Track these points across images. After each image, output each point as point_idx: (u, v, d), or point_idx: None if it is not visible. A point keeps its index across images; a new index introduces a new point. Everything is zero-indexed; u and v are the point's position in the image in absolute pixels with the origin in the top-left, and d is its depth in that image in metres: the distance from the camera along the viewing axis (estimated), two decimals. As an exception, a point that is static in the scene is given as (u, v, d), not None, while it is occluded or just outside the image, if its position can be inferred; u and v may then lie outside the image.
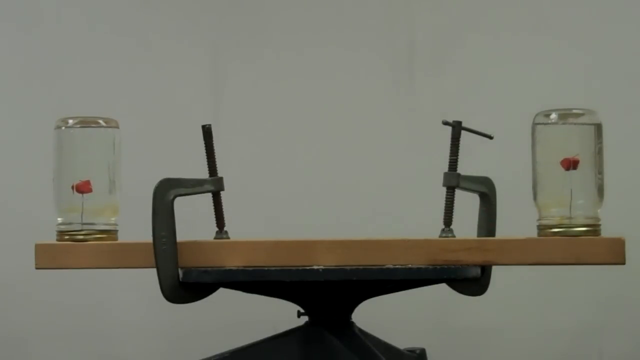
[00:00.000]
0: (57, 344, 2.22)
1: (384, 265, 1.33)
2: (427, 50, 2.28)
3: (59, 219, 1.40)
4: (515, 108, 2.07)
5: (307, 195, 2.24)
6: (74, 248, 1.38)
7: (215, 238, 1.40)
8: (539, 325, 2.22)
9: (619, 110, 2.18)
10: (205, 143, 1.40)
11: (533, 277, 2.14)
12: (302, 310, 1.45)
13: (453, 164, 1.42)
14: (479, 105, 2.21)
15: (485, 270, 1.44)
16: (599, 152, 1.36)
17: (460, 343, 2.22)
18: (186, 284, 1.34)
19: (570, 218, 1.36)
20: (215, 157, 1.40)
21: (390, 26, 2.29)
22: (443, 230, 1.42)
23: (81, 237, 1.39)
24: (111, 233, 1.41)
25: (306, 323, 1.44)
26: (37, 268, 1.38)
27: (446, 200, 1.43)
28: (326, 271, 1.31)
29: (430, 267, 1.34)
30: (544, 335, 2.21)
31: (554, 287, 2.19)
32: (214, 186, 1.40)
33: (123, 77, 2.27)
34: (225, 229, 1.42)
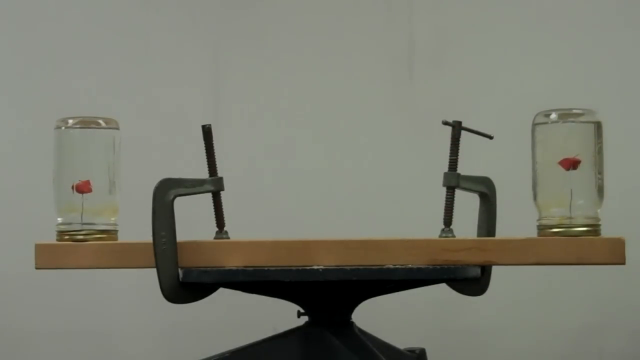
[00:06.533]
0: (57, 343, 2.22)
1: (384, 265, 1.33)
2: (427, 50, 2.28)
3: (59, 219, 1.40)
4: (515, 108, 2.07)
5: (307, 195, 2.24)
6: (74, 248, 1.38)
7: (215, 238, 1.40)
8: (539, 325, 2.21)
9: (619, 110, 2.18)
10: (205, 143, 1.40)
11: (533, 277, 2.14)
12: (302, 310, 1.44)
13: (453, 164, 1.42)
14: (479, 105, 2.21)
15: (485, 270, 1.44)
16: (599, 152, 1.36)
17: (460, 343, 2.22)
18: (186, 284, 1.34)
19: (570, 218, 1.35)
20: (215, 157, 1.40)
21: (390, 26, 2.28)
22: (443, 230, 1.42)
23: (81, 237, 1.39)
24: (111, 233, 1.41)
25: (306, 323, 1.44)
26: (37, 268, 1.38)
27: (446, 200, 1.43)
28: (326, 271, 1.31)
29: (430, 267, 1.34)
30: (544, 335, 2.21)
31: (554, 287, 2.19)
32: (214, 186, 1.40)
33: (123, 77, 2.27)
34: (225, 229, 1.42)
